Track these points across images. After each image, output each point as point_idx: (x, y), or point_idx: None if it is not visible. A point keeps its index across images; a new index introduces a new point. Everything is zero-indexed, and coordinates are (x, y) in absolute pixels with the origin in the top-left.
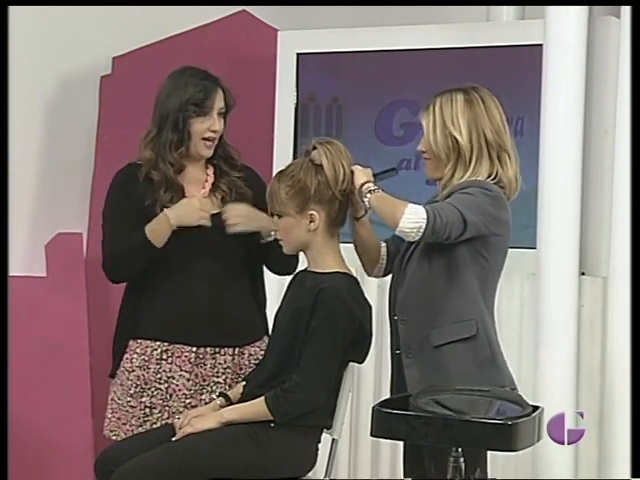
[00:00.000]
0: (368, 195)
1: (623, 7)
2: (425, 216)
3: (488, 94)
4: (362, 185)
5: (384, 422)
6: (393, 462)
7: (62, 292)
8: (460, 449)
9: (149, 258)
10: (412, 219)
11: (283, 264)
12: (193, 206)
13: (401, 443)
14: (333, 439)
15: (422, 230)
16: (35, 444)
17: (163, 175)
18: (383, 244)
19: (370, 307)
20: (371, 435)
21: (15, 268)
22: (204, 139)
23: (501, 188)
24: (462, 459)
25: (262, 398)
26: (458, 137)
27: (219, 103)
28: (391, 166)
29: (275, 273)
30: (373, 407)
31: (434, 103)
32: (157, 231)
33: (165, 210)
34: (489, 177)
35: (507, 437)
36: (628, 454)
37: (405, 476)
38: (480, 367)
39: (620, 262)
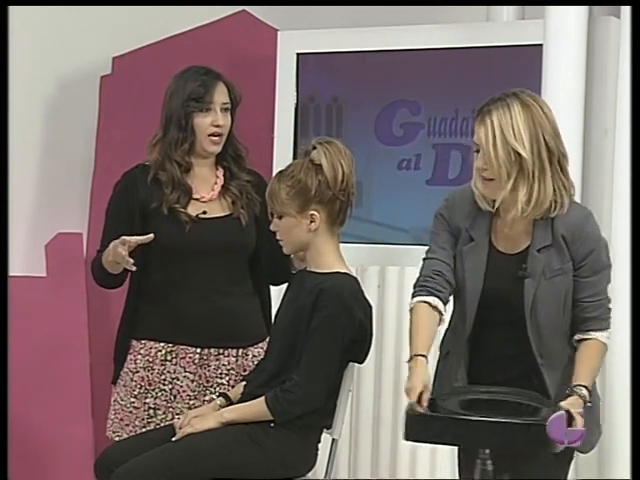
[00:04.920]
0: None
1: (623, 7)
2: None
3: (537, 96)
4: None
5: (424, 426)
6: (393, 462)
7: (62, 292)
8: (488, 451)
9: (114, 280)
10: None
11: (278, 277)
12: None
13: (401, 443)
14: (333, 439)
15: None
16: (35, 444)
17: (170, 175)
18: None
19: (370, 307)
20: (407, 440)
21: (15, 268)
22: (210, 135)
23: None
24: (490, 461)
25: (262, 398)
26: (521, 150)
27: (221, 97)
28: None
29: (270, 284)
30: (411, 412)
31: (489, 114)
32: (107, 263)
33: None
34: (562, 190)
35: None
36: (628, 454)
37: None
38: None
39: (620, 262)
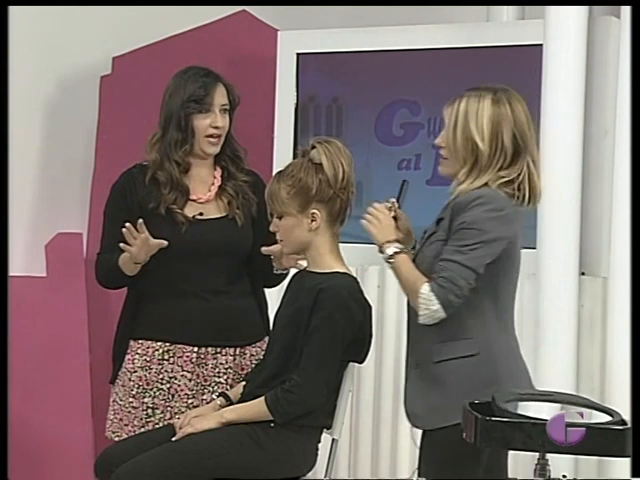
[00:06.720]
0: (391, 261)
1: (623, 7)
2: (438, 304)
3: (516, 97)
4: (381, 246)
5: (494, 431)
6: (393, 462)
7: (62, 292)
8: (546, 456)
9: (125, 280)
10: (423, 308)
11: (272, 278)
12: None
13: (402, 442)
14: (333, 439)
15: (439, 316)
16: (35, 444)
17: (168, 175)
18: None
19: (370, 307)
20: (480, 446)
21: (15, 268)
22: (208, 136)
23: (518, 191)
24: (549, 467)
25: (262, 398)
26: (479, 142)
27: (221, 99)
28: (402, 181)
29: (264, 286)
30: (478, 417)
31: (460, 100)
32: (126, 264)
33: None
34: (503, 179)
35: (623, 443)
36: None
37: None
38: (481, 386)
39: (620, 262)
